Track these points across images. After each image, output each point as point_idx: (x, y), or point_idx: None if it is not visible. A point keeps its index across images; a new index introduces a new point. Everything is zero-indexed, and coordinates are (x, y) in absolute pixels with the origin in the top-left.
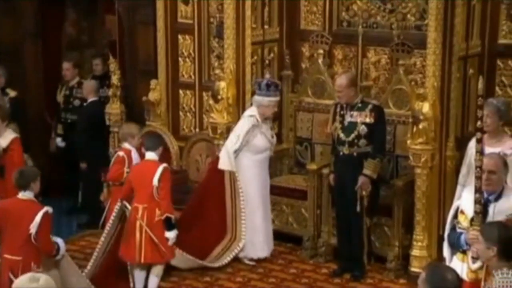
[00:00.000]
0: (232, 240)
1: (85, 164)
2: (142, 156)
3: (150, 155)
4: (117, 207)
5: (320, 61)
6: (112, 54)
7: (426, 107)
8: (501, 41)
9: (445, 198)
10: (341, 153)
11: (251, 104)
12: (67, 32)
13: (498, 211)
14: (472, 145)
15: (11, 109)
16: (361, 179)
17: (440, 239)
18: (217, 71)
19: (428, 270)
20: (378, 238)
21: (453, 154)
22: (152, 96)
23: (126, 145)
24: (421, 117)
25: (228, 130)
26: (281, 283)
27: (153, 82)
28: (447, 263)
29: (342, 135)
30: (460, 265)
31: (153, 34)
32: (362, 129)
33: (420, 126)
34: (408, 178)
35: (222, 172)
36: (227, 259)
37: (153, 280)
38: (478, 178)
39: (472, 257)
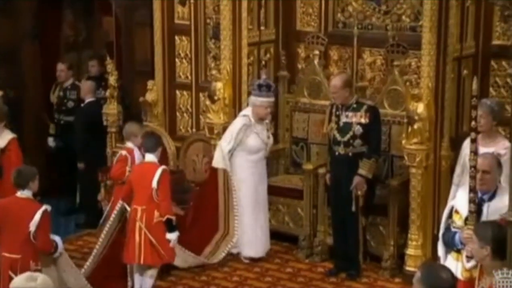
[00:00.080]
0: (224, 236)
1: (83, 165)
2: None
3: (149, 157)
4: (118, 207)
5: (315, 62)
6: (109, 55)
7: (421, 108)
8: (495, 42)
9: (440, 197)
10: (336, 153)
11: (247, 105)
12: (65, 33)
13: (492, 210)
14: (466, 145)
15: None
16: (356, 179)
17: (435, 238)
18: (213, 72)
19: (423, 269)
20: (373, 237)
21: (448, 154)
22: (149, 96)
23: (128, 144)
24: (416, 117)
25: (225, 130)
26: (277, 282)
27: (150, 83)
28: (441, 262)
29: (337, 136)
30: (455, 264)
31: (150, 35)
32: (357, 129)
33: (415, 126)
34: (403, 178)
35: (216, 170)
36: (221, 254)
37: (147, 281)
38: (473, 177)
39: (467, 256)
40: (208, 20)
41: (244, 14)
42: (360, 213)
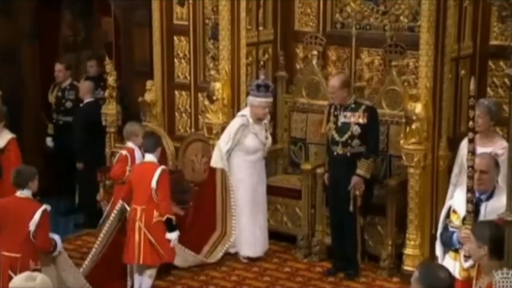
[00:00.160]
0: (222, 235)
1: (82, 165)
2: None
3: (149, 157)
4: (118, 206)
5: (314, 62)
6: (108, 55)
7: (418, 108)
8: (493, 42)
9: (438, 197)
10: (335, 153)
11: (246, 105)
12: (64, 34)
13: (490, 210)
14: (464, 145)
15: None
16: (354, 179)
17: (433, 238)
18: (212, 72)
19: (421, 269)
20: (371, 237)
21: (446, 154)
22: (148, 97)
23: (129, 144)
24: (414, 117)
25: (223, 130)
26: (276, 282)
27: (148, 83)
28: (439, 261)
29: (335, 136)
30: (453, 264)
31: (149, 36)
32: (356, 129)
33: (413, 126)
34: (401, 178)
35: (214, 170)
36: (219, 254)
37: (146, 281)
38: (470, 177)
39: (464, 256)
40: (206, 21)
41: (243, 14)
42: (358, 213)
